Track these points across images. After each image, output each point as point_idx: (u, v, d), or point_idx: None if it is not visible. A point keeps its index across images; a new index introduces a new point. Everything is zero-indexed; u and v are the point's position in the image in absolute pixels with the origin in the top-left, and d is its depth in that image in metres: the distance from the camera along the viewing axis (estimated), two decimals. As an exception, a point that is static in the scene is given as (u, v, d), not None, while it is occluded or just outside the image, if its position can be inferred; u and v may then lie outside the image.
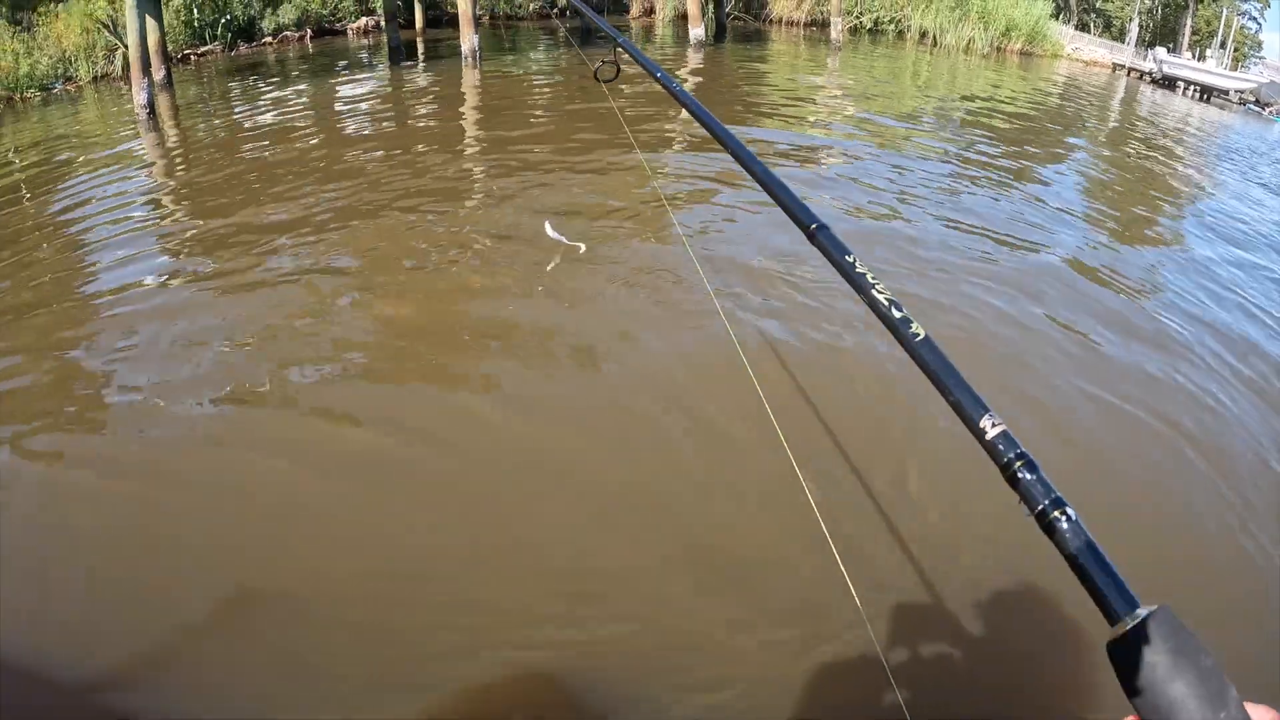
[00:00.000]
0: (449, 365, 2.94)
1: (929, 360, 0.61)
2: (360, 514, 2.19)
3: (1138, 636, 0.43)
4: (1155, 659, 0.41)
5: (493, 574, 1.98)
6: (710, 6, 11.54)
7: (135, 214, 5.10)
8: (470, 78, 9.31)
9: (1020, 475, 0.51)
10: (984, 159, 6.34)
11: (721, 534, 2.10)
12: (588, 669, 1.71)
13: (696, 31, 11.30)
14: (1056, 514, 0.49)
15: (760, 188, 0.89)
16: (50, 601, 1.92)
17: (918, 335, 0.63)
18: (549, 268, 3.52)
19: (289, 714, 1.64)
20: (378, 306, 3.35)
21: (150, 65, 9.06)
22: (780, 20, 14.59)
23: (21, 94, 12.72)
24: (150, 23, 9.38)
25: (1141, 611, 0.44)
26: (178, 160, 6.70)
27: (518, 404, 2.64)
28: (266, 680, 1.71)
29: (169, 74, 10.36)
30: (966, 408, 0.56)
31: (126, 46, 12.34)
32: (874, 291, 0.67)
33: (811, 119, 7.35)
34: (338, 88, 9.55)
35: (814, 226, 0.78)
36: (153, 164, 6.66)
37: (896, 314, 0.64)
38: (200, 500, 2.27)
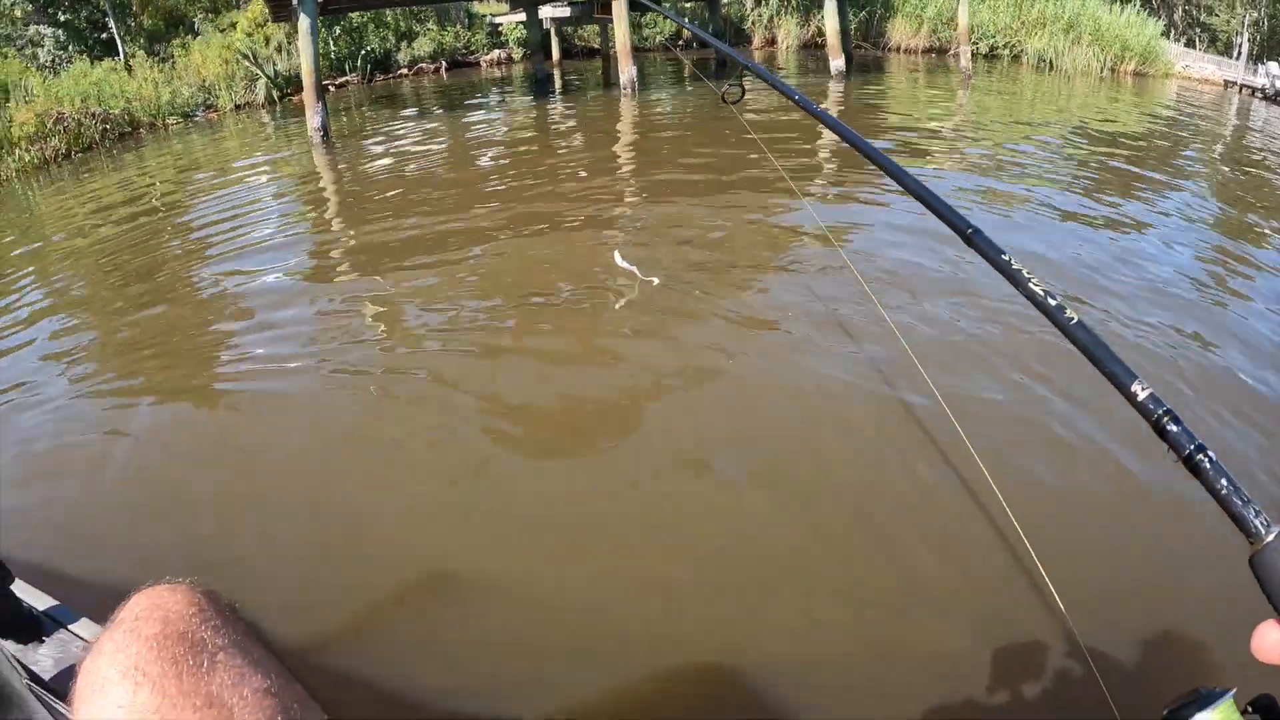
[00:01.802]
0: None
1: (1083, 339, 0.69)
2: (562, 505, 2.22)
3: (1275, 548, 0.52)
4: None
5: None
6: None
7: (323, 221, 5.64)
8: (629, 108, 9.32)
9: (1168, 427, 0.61)
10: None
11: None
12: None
13: (837, 63, 11.11)
14: (1200, 456, 0.58)
15: (913, 198, 0.95)
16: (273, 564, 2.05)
17: (1072, 319, 0.70)
18: (618, 305, 3.49)
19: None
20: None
21: (323, 92, 9.25)
22: (899, 48, 14.42)
23: (163, 120, 13.12)
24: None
25: (1275, 528, 0.53)
26: (351, 178, 7.16)
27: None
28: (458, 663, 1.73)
29: (324, 102, 10.64)
30: (1119, 377, 0.65)
31: (269, 77, 12.68)
32: (1031, 285, 0.74)
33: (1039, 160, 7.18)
34: (488, 117, 9.60)
35: (970, 231, 0.85)
36: (331, 182, 7.15)
37: (1052, 302, 0.72)
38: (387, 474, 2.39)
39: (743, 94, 1.82)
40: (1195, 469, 0.58)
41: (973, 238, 0.85)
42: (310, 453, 2.56)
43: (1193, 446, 0.59)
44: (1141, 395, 0.64)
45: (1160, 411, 0.62)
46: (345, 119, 10.77)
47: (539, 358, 3.06)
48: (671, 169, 6.23)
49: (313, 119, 8.98)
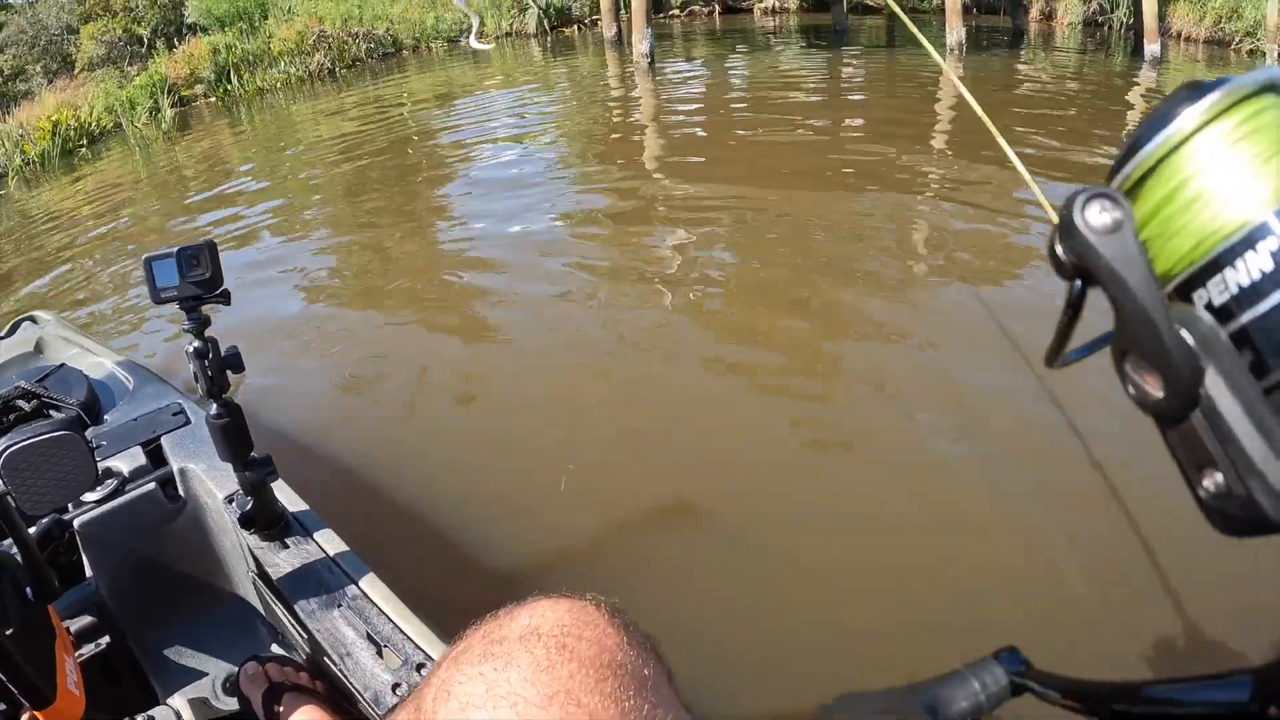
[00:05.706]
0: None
1: None
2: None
3: None
4: None
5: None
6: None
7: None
8: (954, 70, 8.91)
9: None
10: None
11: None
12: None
13: (1152, 48, 10.34)
14: None
15: None
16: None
17: None
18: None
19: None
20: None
21: (641, 19, 9.23)
22: (1178, 34, 13.45)
23: (427, 44, 13.45)
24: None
25: None
26: (674, 105, 7.30)
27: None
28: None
29: (620, 33, 10.69)
30: None
31: (540, 8, 12.80)
32: None
33: None
34: (786, 62, 9.40)
35: None
36: (657, 105, 7.36)
37: None
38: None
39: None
40: None
41: None
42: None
43: None
44: None
45: None
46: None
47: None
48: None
49: (640, 45, 8.98)
